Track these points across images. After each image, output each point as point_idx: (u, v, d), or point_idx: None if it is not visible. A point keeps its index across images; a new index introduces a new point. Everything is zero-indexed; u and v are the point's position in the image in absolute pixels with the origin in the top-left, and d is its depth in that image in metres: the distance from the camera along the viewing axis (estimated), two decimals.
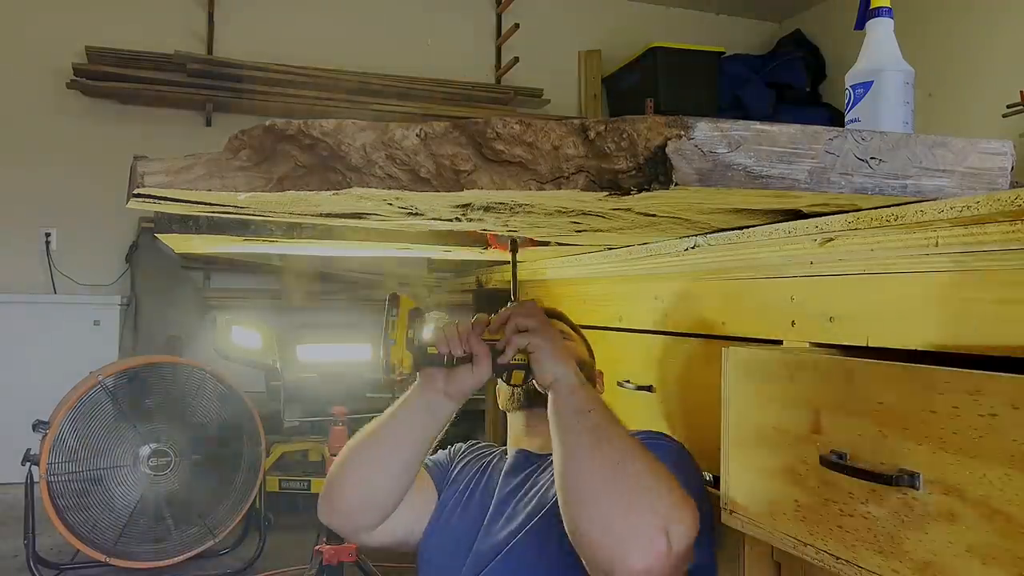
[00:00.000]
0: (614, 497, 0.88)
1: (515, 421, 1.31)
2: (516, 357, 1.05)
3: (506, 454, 1.29)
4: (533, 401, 1.23)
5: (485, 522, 1.18)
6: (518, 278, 1.37)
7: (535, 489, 1.17)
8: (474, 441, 1.37)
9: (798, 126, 0.68)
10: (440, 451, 1.32)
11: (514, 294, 1.35)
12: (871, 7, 1.00)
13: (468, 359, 1.06)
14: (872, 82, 0.96)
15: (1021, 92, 3.35)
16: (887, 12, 0.99)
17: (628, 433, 0.96)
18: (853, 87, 0.98)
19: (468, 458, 1.31)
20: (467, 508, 1.22)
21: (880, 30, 0.99)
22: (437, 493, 1.24)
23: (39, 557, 2.43)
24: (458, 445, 1.35)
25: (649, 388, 1.36)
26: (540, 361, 1.02)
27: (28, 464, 2.37)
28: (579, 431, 0.95)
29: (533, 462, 1.23)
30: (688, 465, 1.10)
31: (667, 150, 0.63)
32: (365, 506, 1.14)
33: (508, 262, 1.38)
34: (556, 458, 0.96)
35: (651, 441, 1.09)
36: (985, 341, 0.73)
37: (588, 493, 0.90)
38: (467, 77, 4.49)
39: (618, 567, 0.85)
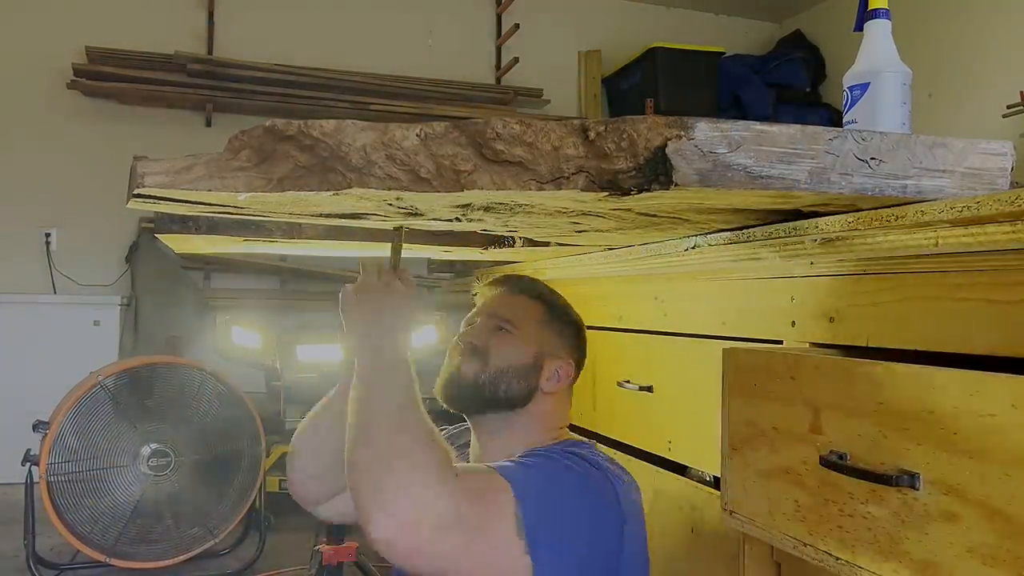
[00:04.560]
0: (369, 460, 0.90)
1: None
2: None
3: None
4: (484, 404, 1.12)
5: None
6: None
7: None
8: (460, 425, 1.24)
9: (798, 126, 0.68)
10: None
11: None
12: (869, 8, 1.00)
13: None
14: (869, 83, 0.96)
15: (1021, 92, 3.35)
16: (884, 14, 1.00)
17: (403, 413, 0.94)
18: (851, 88, 0.98)
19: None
20: None
21: (877, 31, 0.99)
22: None
23: (39, 557, 2.43)
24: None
25: (649, 388, 1.36)
26: (342, 313, 1.09)
27: (28, 464, 2.37)
28: (359, 397, 0.97)
29: None
30: (562, 478, 0.99)
31: (667, 150, 0.63)
32: (311, 475, 1.15)
33: (509, 262, 1.38)
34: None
35: (537, 457, 1.01)
36: (985, 341, 0.73)
37: (352, 452, 0.93)
38: (467, 77, 4.49)
39: (367, 533, 0.88)
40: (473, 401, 1.11)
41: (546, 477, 0.98)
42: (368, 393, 0.97)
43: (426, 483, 0.88)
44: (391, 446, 0.90)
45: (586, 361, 1.22)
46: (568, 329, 1.18)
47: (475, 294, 1.23)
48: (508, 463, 1.00)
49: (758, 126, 0.66)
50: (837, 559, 0.81)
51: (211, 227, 1.15)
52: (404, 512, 0.86)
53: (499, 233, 1.19)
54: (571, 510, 0.97)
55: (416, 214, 0.86)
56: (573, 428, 1.72)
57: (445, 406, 1.13)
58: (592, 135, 0.65)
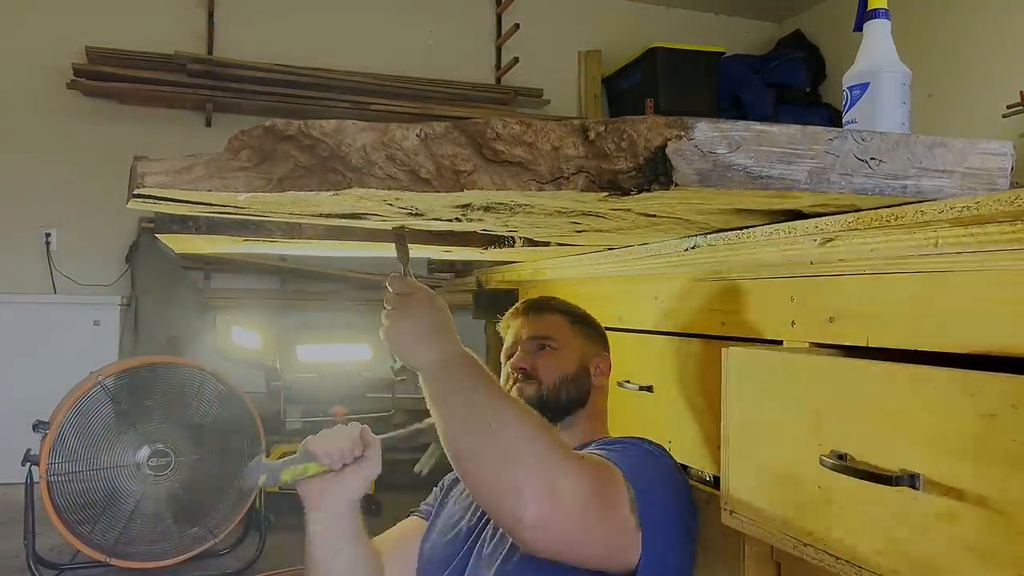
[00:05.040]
0: (490, 459, 0.91)
1: None
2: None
3: None
4: None
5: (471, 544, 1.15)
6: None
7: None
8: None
9: (798, 126, 0.68)
10: (433, 490, 1.31)
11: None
12: (868, 8, 1.00)
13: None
14: (869, 83, 0.96)
15: (1021, 92, 3.35)
16: (884, 14, 0.99)
17: (504, 402, 0.96)
18: (850, 88, 0.98)
19: (458, 485, 1.27)
20: (455, 531, 1.19)
21: (877, 31, 0.99)
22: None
23: (39, 557, 2.43)
24: (446, 478, 1.31)
25: (649, 388, 1.36)
26: (393, 353, 1.03)
27: (28, 464, 2.37)
28: (449, 408, 0.97)
29: None
30: (649, 461, 1.07)
31: (667, 151, 0.63)
32: None
33: (510, 262, 1.38)
34: (438, 432, 0.98)
35: (620, 443, 1.10)
36: (985, 341, 0.73)
37: (467, 460, 0.93)
38: (467, 77, 4.49)
39: (511, 523, 0.89)
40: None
41: (641, 461, 1.04)
42: (468, 400, 0.96)
43: (561, 463, 0.91)
44: (517, 434, 0.92)
45: None
46: (593, 329, 1.31)
47: (501, 327, 1.33)
48: (599, 450, 1.05)
49: (758, 126, 0.66)
50: (837, 559, 0.81)
51: (211, 227, 1.15)
52: (548, 492, 0.88)
53: (499, 233, 1.19)
54: (665, 490, 1.03)
55: (416, 214, 0.86)
56: None
57: None
58: (592, 135, 0.65)
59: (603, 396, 1.27)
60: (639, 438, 1.14)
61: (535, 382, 1.20)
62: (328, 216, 0.91)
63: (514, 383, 1.21)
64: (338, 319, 3.88)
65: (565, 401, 1.21)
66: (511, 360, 1.24)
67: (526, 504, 0.87)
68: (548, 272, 1.57)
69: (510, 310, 1.33)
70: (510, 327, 1.30)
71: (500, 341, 1.35)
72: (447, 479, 1.31)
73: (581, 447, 1.12)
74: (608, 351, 1.31)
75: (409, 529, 1.26)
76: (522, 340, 1.26)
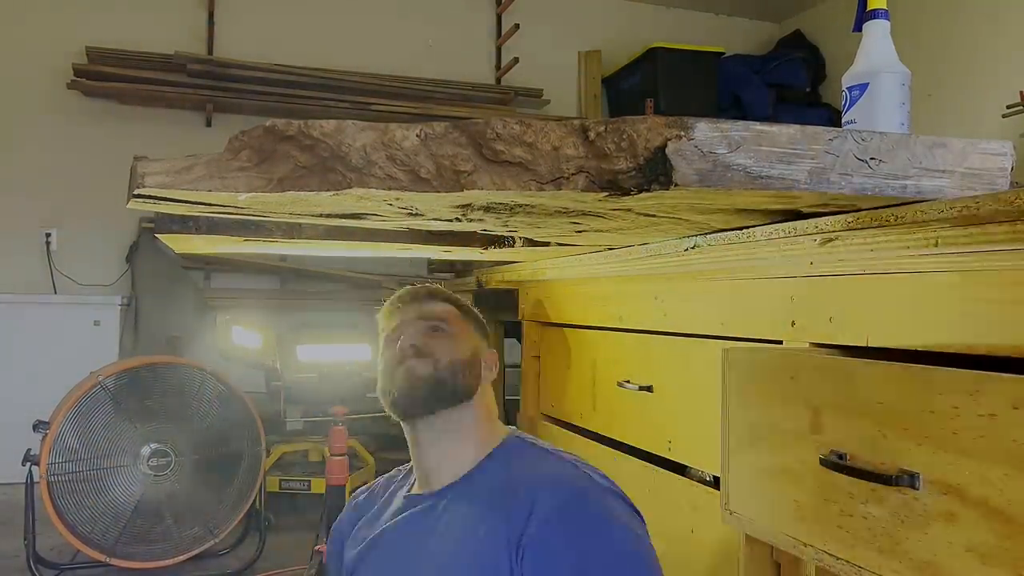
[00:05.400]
0: None
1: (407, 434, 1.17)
2: None
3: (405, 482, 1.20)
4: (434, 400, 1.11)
5: None
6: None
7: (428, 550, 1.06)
8: (353, 498, 1.25)
9: (798, 127, 0.68)
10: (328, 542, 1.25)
11: None
12: (868, 8, 1.00)
13: None
14: (868, 84, 0.96)
15: (1021, 92, 3.35)
16: (883, 14, 1.00)
17: None
18: (849, 89, 0.98)
19: (353, 528, 1.20)
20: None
21: (876, 32, 0.99)
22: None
23: (39, 557, 2.43)
24: (335, 525, 1.24)
25: (649, 388, 1.36)
26: None
27: (28, 464, 2.37)
28: None
29: (420, 502, 1.11)
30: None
31: (667, 151, 0.63)
32: None
33: (510, 262, 1.38)
34: None
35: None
36: (985, 341, 0.73)
37: None
38: (467, 77, 4.49)
39: None
40: (431, 398, 1.10)
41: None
42: None
43: None
44: None
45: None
46: (481, 325, 1.22)
47: (381, 314, 1.22)
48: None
49: (758, 126, 0.66)
50: (837, 559, 0.81)
51: (211, 227, 1.15)
52: None
53: (499, 233, 1.19)
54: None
55: (416, 214, 0.86)
56: (573, 428, 1.72)
57: (398, 413, 1.12)
58: (592, 135, 0.65)
59: (491, 395, 1.18)
60: (605, 490, 1.02)
61: (430, 360, 1.10)
62: (328, 216, 0.91)
63: (402, 362, 1.11)
64: (338, 319, 3.87)
65: (460, 385, 1.11)
66: (401, 339, 1.13)
67: None
68: (548, 272, 1.57)
69: (392, 297, 1.24)
70: (393, 313, 1.20)
71: (500, 341, 1.34)
72: (336, 525, 1.24)
73: (462, 451, 1.09)
74: (492, 344, 1.22)
75: None
76: (409, 322, 1.16)
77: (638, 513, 1.02)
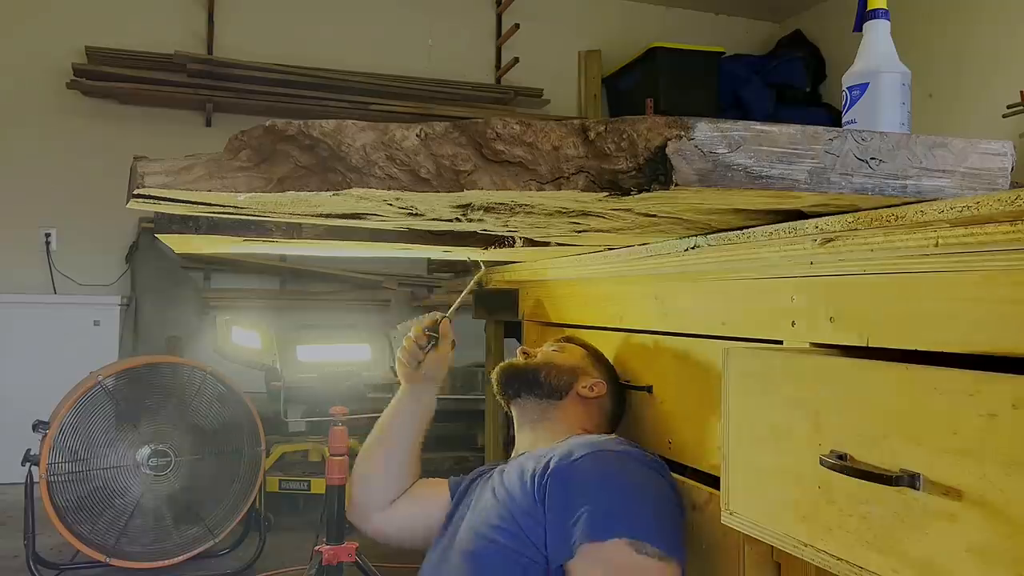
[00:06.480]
0: None
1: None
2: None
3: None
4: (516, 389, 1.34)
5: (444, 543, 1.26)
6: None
7: (465, 505, 1.26)
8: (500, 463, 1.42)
9: (798, 126, 0.68)
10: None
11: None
12: (868, 8, 1.00)
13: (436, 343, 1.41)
14: (868, 84, 0.96)
15: (1021, 92, 3.35)
16: (884, 14, 0.99)
17: None
18: (849, 89, 0.98)
19: (480, 477, 1.35)
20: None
21: (877, 31, 0.99)
22: (451, 503, 1.33)
23: (39, 557, 2.43)
24: (481, 468, 1.39)
25: (649, 388, 1.36)
26: None
27: (28, 464, 2.37)
28: None
29: (484, 472, 1.32)
30: (636, 472, 1.15)
31: (667, 150, 0.63)
32: (367, 494, 1.38)
33: (510, 262, 1.39)
34: None
35: (616, 473, 1.15)
36: (985, 341, 0.73)
37: None
38: (467, 77, 4.49)
39: None
40: (515, 383, 1.32)
41: (657, 512, 1.13)
42: None
43: None
44: None
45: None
46: (602, 363, 1.41)
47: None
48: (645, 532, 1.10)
49: (758, 126, 0.66)
50: (837, 559, 0.81)
51: (211, 227, 1.15)
52: None
53: (499, 233, 1.19)
54: (673, 519, 1.16)
55: (416, 214, 0.86)
56: None
57: (497, 392, 1.35)
58: (592, 135, 0.65)
59: (586, 410, 1.32)
60: (624, 451, 1.18)
61: (529, 359, 1.35)
62: (328, 216, 0.91)
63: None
64: (338, 319, 3.88)
65: (542, 380, 1.30)
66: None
67: None
68: (548, 272, 1.57)
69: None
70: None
71: (500, 341, 1.43)
72: (482, 468, 1.39)
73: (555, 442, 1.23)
74: (608, 380, 1.37)
75: (438, 484, 1.38)
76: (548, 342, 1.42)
77: (674, 487, 1.17)
